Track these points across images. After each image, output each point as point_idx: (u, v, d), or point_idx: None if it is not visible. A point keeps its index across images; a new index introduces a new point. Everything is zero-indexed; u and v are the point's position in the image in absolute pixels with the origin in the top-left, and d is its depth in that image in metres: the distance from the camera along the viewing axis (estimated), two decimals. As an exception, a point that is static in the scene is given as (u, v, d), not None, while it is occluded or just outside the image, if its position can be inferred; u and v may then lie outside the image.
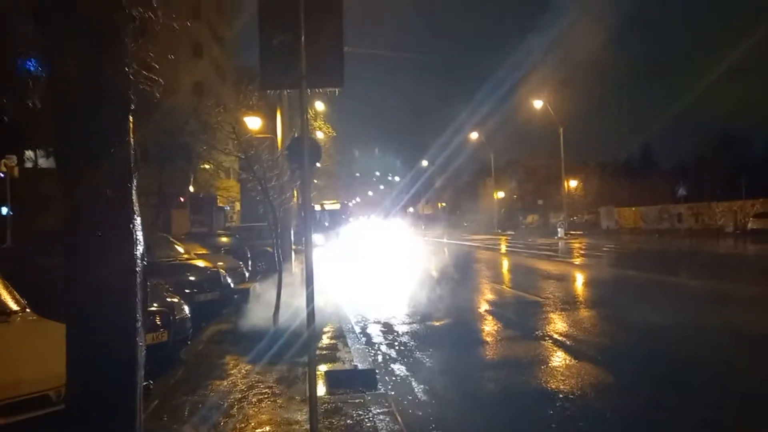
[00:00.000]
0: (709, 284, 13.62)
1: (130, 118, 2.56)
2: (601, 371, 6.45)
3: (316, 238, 29.79)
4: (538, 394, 5.77)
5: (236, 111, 16.90)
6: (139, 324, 2.66)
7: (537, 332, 8.60)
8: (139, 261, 2.64)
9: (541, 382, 6.13)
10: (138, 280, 2.62)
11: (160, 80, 3.07)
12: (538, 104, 41.69)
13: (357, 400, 5.38)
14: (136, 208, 2.63)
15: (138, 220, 2.64)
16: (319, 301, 11.78)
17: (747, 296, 11.42)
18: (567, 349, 7.52)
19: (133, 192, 2.64)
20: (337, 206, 39.54)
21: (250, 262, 16.36)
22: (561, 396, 5.64)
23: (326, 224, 34.96)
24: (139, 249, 2.64)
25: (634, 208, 48.11)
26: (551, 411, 5.25)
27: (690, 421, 4.95)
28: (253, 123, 16.14)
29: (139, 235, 2.65)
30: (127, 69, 2.50)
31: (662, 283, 14.32)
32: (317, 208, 35.95)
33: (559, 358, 7.19)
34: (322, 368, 6.52)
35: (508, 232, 51.88)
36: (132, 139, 2.60)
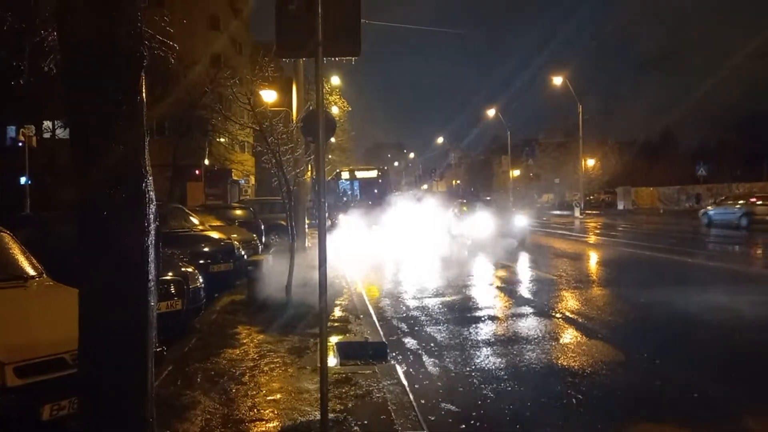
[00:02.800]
0: (722, 266, 13.47)
1: (143, 77, 2.53)
2: (609, 347, 6.44)
3: (342, 218, 24.23)
4: (548, 369, 5.77)
5: (252, 83, 16.83)
6: (152, 291, 2.67)
7: (547, 309, 8.59)
8: (152, 228, 2.63)
9: (551, 358, 6.14)
10: (150, 246, 2.63)
11: (175, 45, 3.03)
12: (557, 81, 40.89)
13: (367, 371, 5.42)
14: (148, 173, 2.62)
15: (150, 186, 2.63)
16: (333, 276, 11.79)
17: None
18: (576, 326, 7.52)
19: (146, 157, 2.63)
20: (373, 174, 29.11)
21: (263, 235, 16.47)
22: (571, 371, 5.64)
23: (356, 198, 27.71)
24: (152, 216, 2.63)
25: (651, 189, 47.45)
26: (559, 386, 5.25)
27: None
28: (269, 96, 16.09)
29: (152, 202, 2.64)
30: (139, 26, 2.46)
31: (677, 263, 14.18)
32: (344, 176, 28.70)
33: (569, 335, 7.19)
34: (333, 340, 6.57)
35: (524, 210, 51.51)
36: (144, 101, 2.57)
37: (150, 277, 2.65)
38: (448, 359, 6.26)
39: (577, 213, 38.63)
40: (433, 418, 4.57)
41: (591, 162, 51.67)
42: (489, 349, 6.65)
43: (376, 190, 27.64)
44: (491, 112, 58.19)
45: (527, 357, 6.24)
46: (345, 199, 27.20)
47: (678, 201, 43.14)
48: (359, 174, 28.76)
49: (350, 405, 4.59)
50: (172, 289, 6.64)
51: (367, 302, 9.19)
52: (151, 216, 2.62)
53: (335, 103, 26.60)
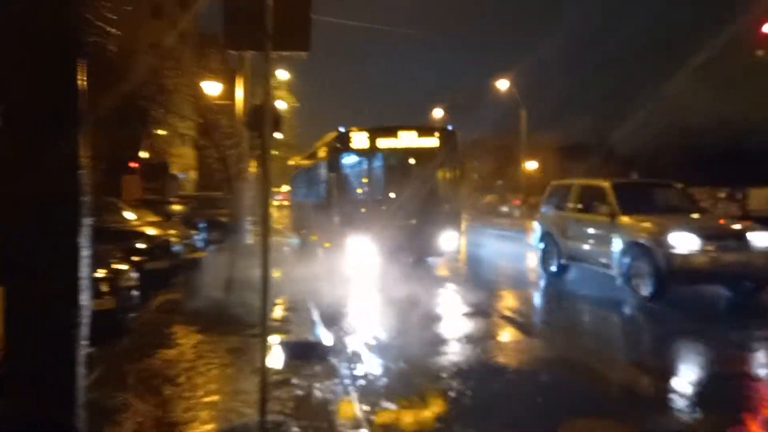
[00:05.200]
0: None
1: (80, 65, 2.39)
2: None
3: (354, 241, 10.92)
4: (489, 368, 5.89)
5: (196, 75, 16.36)
6: (83, 289, 2.54)
7: (486, 307, 8.78)
8: (83, 223, 2.50)
9: (491, 356, 6.27)
10: (81, 242, 2.49)
11: (116, 32, 2.88)
12: (504, 84, 41.51)
13: (308, 372, 5.36)
14: (82, 165, 2.49)
15: (84, 179, 2.50)
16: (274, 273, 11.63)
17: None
18: (514, 324, 7.73)
19: (80, 149, 2.49)
20: (429, 141, 11.48)
21: (203, 232, 16.03)
22: (510, 370, 5.79)
23: (387, 196, 11.62)
24: (84, 211, 2.50)
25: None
26: (499, 384, 5.37)
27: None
28: (213, 88, 15.67)
29: (84, 195, 2.51)
30: (76, 11, 2.32)
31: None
32: (358, 142, 11.25)
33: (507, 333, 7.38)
34: (275, 340, 6.47)
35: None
36: (82, 90, 2.44)
37: (80, 275, 2.51)
38: (392, 358, 6.27)
39: (517, 214, 39.79)
40: (375, 418, 4.57)
41: (532, 164, 53.07)
42: (434, 347, 6.71)
43: (432, 179, 11.81)
44: (439, 113, 58.78)
45: (466, 353, 6.34)
46: (360, 194, 11.82)
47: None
48: (398, 140, 11.42)
49: (290, 406, 4.52)
50: (104, 287, 6.34)
51: (310, 301, 9.10)
52: (83, 210, 2.48)
53: (283, 98, 26.13)
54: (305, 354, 5.95)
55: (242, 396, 4.69)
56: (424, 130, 11.57)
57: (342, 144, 11.16)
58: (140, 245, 9.74)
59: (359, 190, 11.70)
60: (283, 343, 6.41)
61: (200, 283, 9.42)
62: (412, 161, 11.71)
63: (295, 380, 5.09)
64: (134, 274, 7.08)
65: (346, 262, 10.87)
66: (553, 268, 11.36)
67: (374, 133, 11.17)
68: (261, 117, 4.27)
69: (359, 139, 11.12)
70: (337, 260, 11.09)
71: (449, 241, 11.45)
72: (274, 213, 51.66)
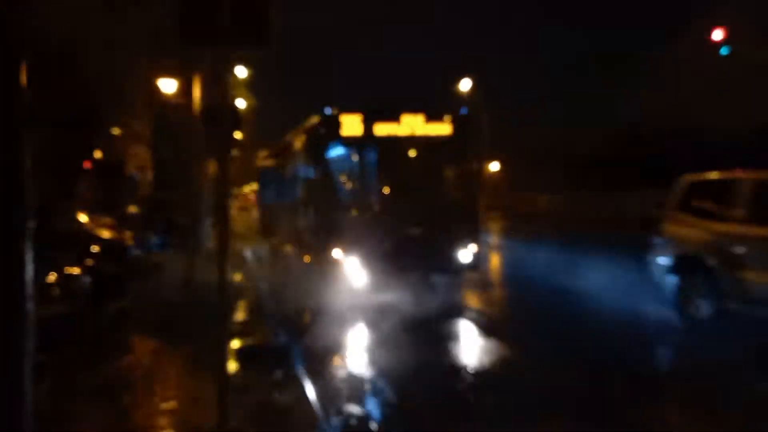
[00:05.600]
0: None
1: (22, 60, 2.26)
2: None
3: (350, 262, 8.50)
4: (449, 366, 5.91)
5: (151, 72, 15.93)
6: (28, 295, 2.41)
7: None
8: (29, 226, 2.37)
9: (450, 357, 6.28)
10: (27, 246, 2.37)
11: (64, 27, 2.74)
12: (466, 85, 41.41)
13: (269, 377, 5.26)
14: (26, 165, 2.36)
15: (27, 182, 2.37)
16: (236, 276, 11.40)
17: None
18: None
19: (24, 148, 2.36)
20: (440, 127, 8.93)
21: (161, 234, 15.63)
22: (469, 371, 5.81)
23: (384, 199, 9.00)
24: (28, 214, 2.37)
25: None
26: (462, 385, 5.39)
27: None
28: (169, 86, 15.28)
29: (29, 198, 2.38)
30: (17, 3, 2.19)
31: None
32: (349, 128, 8.54)
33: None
34: (237, 344, 6.34)
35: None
36: (24, 87, 2.30)
37: (26, 280, 2.38)
38: (355, 362, 6.23)
39: None
40: (337, 422, 4.52)
41: (494, 166, 53.55)
42: (396, 351, 6.70)
43: (445, 177, 9.76)
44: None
45: (428, 353, 6.35)
46: (350, 196, 9.04)
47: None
48: (400, 126, 8.77)
49: (251, 412, 4.43)
50: (55, 292, 6.09)
51: (270, 303, 8.97)
52: (28, 213, 2.36)
53: (242, 97, 25.69)
54: (267, 359, 5.85)
55: (201, 403, 4.57)
56: (435, 115, 8.84)
57: (328, 130, 8.51)
58: (93, 249, 9.41)
59: (349, 190, 9.01)
60: (243, 348, 6.29)
61: (157, 287, 9.17)
62: (418, 154, 9.03)
63: (256, 385, 4.99)
64: (87, 279, 6.83)
65: (330, 281, 8.46)
66: (703, 314, 7.17)
67: (370, 116, 8.51)
68: (218, 115, 4.15)
69: (350, 124, 8.39)
70: (320, 278, 8.88)
71: (466, 255, 8.84)
72: (236, 215, 50.96)
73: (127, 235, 11.26)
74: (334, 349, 6.68)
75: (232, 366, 5.59)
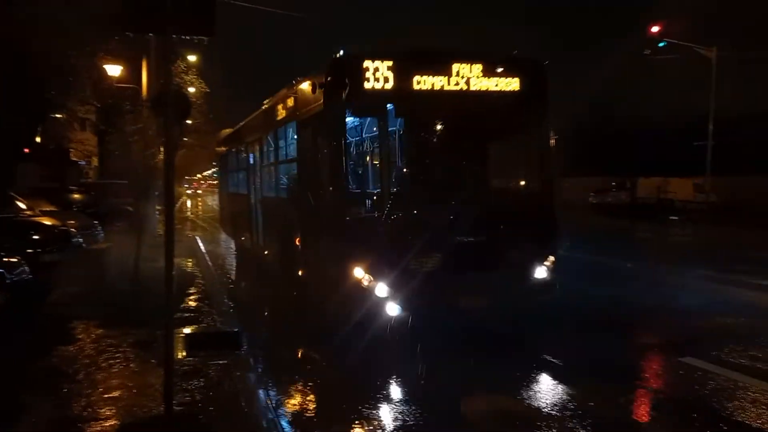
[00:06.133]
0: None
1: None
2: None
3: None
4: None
5: (96, 56, 15.36)
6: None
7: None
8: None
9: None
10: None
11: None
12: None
13: (219, 361, 5.28)
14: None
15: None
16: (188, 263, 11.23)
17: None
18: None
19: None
20: (514, 84, 6.10)
21: (107, 221, 15.20)
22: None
23: (430, 187, 6.31)
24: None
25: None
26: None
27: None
28: (115, 71, 14.81)
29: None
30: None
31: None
32: (378, 77, 5.63)
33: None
34: (186, 331, 6.32)
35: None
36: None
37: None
38: (305, 346, 6.30)
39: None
40: (286, 406, 4.59)
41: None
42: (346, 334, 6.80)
43: (512, 154, 7.15)
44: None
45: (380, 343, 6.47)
46: (371, 183, 8.22)
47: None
48: (448, 78, 5.91)
49: (199, 397, 4.45)
50: (-8, 282, 5.90)
51: (222, 289, 8.92)
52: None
53: (192, 83, 25.02)
54: (218, 343, 5.85)
55: (148, 390, 4.56)
56: (500, 63, 6.08)
57: (342, 80, 5.69)
58: (35, 236, 9.11)
59: (369, 174, 6.96)
60: (195, 334, 6.27)
61: (103, 276, 8.95)
62: (477, 122, 6.16)
63: (205, 370, 5.01)
64: (26, 268, 6.63)
65: (345, 311, 5.77)
66: None
67: (407, 62, 5.82)
68: (165, 102, 4.12)
69: (376, 74, 5.65)
70: (327, 305, 6.23)
71: (541, 272, 6.23)
72: (192, 203, 49.75)
73: (72, 222, 10.92)
74: (288, 336, 6.73)
75: (181, 352, 5.58)
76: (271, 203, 8.91)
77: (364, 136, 8.29)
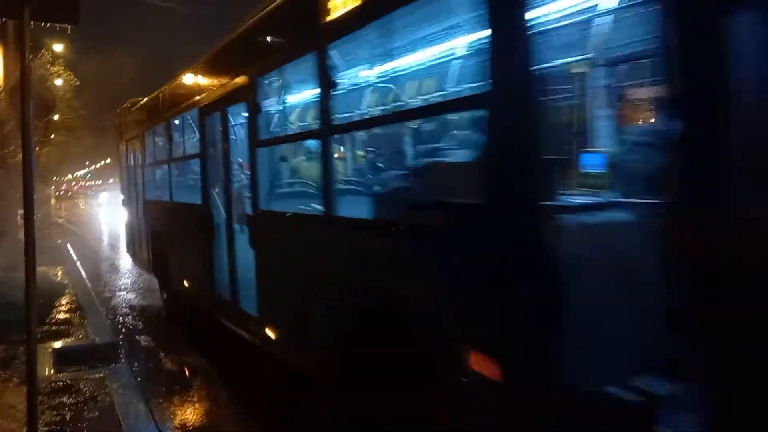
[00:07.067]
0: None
1: None
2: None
3: None
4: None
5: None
6: None
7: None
8: None
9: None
10: None
11: None
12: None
13: (94, 376, 4.91)
14: None
15: None
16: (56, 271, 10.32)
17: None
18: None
19: None
20: None
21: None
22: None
23: None
24: None
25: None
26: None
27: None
28: (-36, 58, 13.20)
29: None
30: None
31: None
32: None
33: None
34: (56, 345, 5.83)
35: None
36: None
37: None
38: (188, 354, 6.04)
39: None
40: (169, 418, 4.39)
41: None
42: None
43: None
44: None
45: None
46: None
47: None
48: None
49: (70, 415, 4.11)
50: None
51: (95, 299, 8.30)
52: None
53: (59, 75, 22.94)
54: (93, 357, 5.44)
55: (10, 411, 4.14)
56: None
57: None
58: None
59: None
60: (65, 348, 5.79)
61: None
62: None
63: (77, 386, 4.64)
64: None
65: None
66: None
67: None
68: (21, 96, 3.74)
69: None
70: None
71: None
72: (62, 205, 45.49)
73: None
74: (166, 339, 6.42)
75: (50, 368, 5.13)
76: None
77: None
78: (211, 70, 5.63)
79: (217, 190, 5.52)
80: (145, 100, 8.36)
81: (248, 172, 4.70)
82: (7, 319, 6.60)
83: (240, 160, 5.44)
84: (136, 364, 5.59)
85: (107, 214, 30.50)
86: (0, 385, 4.68)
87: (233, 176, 5.25)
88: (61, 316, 7.22)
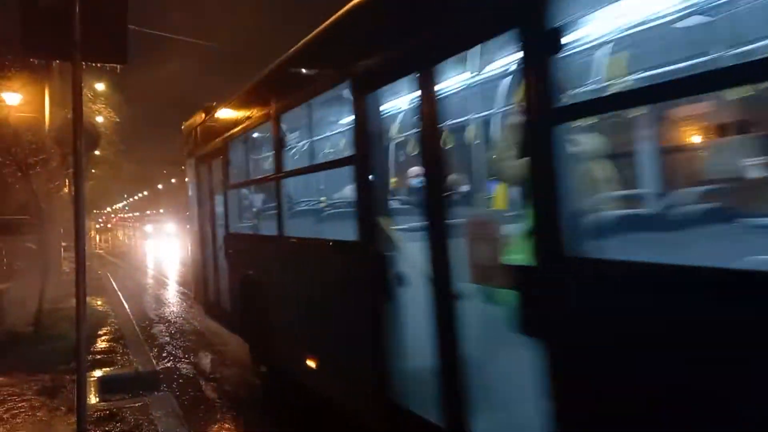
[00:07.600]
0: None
1: None
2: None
3: None
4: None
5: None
6: None
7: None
8: None
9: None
10: None
11: None
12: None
13: (137, 404, 4.97)
14: None
15: None
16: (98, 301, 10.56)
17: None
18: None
19: None
20: None
21: (5, 260, 14.12)
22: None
23: None
24: None
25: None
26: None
27: None
28: (12, 98, 13.85)
29: None
30: None
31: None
32: None
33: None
34: (97, 374, 5.93)
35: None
36: None
37: None
38: (228, 383, 6.07)
39: None
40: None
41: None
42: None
43: None
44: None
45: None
46: None
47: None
48: None
49: (116, 442, 4.17)
50: None
51: (137, 329, 8.45)
52: None
53: (100, 113, 23.80)
54: (135, 386, 5.51)
55: (58, 439, 4.22)
56: None
57: None
58: None
59: None
60: (108, 377, 5.88)
61: (3, 318, 8.24)
62: None
63: (121, 414, 4.70)
64: None
65: None
66: None
67: None
68: (72, 133, 3.90)
69: None
70: None
71: None
72: (100, 238, 46.76)
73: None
74: (206, 369, 6.46)
75: (93, 397, 5.22)
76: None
77: None
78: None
79: (391, 217, 3.38)
80: (234, 97, 6.07)
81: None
82: (54, 348, 6.79)
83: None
84: (178, 391, 5.62)
85: (151, 246, 31.03)
86: (48, 414, 4.78)
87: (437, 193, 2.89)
88: (103, 345, 7.38)
